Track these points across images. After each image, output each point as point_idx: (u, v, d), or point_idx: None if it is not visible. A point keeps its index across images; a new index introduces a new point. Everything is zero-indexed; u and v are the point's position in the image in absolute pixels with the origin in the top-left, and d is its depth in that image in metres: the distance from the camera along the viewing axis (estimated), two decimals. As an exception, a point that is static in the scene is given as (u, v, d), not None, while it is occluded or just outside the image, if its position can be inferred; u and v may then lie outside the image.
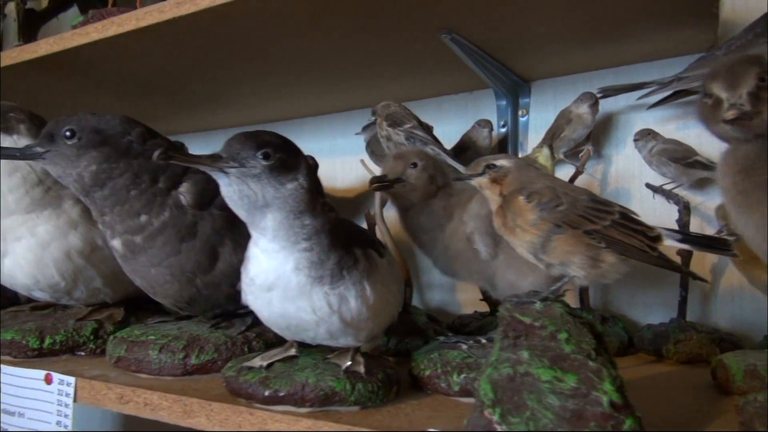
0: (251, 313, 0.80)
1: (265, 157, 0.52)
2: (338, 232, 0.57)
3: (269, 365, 0.62)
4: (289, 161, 0.53)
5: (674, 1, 0.79)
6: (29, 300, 1.06)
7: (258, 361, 0.63)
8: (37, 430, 0.76)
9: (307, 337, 0.61)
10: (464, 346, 0.65)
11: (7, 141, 0.83)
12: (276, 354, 0.64)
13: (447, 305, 1.18)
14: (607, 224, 0.51)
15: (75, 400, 0.73)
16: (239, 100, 1.21)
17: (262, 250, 0.55)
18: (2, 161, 0.80)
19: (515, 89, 1.10)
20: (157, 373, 0.72)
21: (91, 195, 0.71)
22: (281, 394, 0.58)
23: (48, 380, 0.77)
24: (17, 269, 0.84)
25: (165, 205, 0.72)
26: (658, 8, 0.81)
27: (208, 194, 0.74)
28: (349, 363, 0.61)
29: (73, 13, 1.77)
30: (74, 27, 0.93)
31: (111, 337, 0.79)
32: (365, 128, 1.13)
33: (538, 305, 0.51)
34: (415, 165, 0.68)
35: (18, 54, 0.96)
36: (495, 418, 0.47)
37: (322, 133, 1.35)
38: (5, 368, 0.81)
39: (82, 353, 0.85)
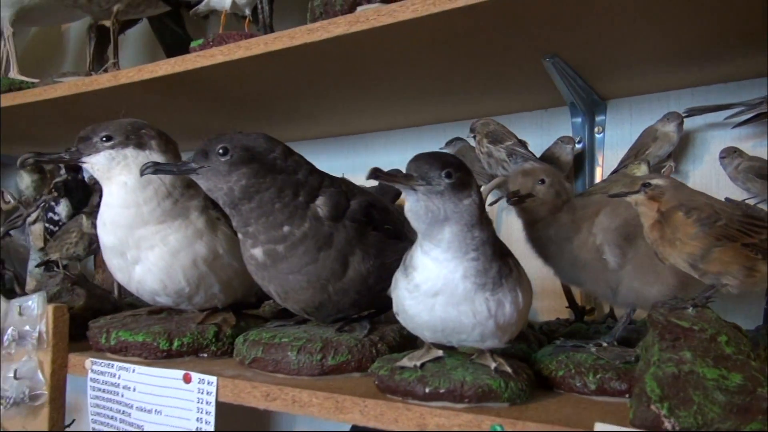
0: (367, 317, 0.87)
1: (448, 176, 0.58)
2: (497, 243, 0.63)
3: (422, 365, 0.67)
4: (465, 180, 0.59)
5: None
6: (132, 305, 1.12)
7: (408, 362, 0.68)
8: (176, 429, 0.81)
9: (457, 340, 0.66)
10: (593, 349, 0.71)
11: (141, 156, 0.89)
12: (423, 355, 0.69)
13: (523, 312, 1.23)
14: (764, 237, 0.57)
15: (217, 398, 0.79)
16: (325, 116, 1.27)
17: (433, 259, 0.61)
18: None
19: (592, 107, 1.16)
20: (296, 373, 0.77)
21: (239, 207, 0.77)
22: (441, 391, 0.63)
23: (187, 379, 0.82)
24: (148, 275, 0.89)
25: (305, 217, 0.77)
26: (746, 32, 0.86)
27: (341, 207, 0.80)
28: (494, 363, 0.66)
29: (137, 29, 1.84)
30: (193, 49, 0.99)
31: (241, 339, 0.85)
32: (449, 144, 1.18)
33: (691, 310, 0.57)
34: (543, 181, 0.74)
35: (136, 74, 1.02)
36: (663, 411, 0.52)
37: (394, 147, 1.41)
38: (139, 368, 0.87)
39: (205, 355, 0.91)
